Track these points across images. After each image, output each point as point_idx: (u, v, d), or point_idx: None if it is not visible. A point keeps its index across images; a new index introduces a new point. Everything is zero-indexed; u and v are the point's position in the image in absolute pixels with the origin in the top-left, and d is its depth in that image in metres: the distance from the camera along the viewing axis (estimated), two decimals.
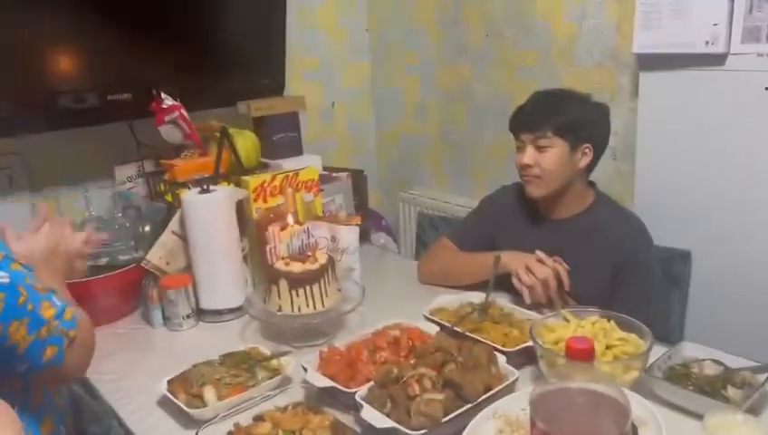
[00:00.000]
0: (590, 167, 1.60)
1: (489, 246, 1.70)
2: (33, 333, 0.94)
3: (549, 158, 1.53)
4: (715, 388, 1.11)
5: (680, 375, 1.16)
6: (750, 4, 1.56)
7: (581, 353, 0.79)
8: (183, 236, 1.65)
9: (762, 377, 1.13)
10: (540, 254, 1.48)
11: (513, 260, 1.51)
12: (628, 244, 1.54)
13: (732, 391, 1.10)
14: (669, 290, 1.71)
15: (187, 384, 1.23)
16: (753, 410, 1.07)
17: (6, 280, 0.92)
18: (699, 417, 1.03)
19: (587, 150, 1.56)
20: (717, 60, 1.65)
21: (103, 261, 1.71)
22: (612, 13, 1.96)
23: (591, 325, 1.26)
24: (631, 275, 1.53)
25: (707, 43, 1.63)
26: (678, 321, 1.73)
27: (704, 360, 1.19)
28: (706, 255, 1.72)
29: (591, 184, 1.66)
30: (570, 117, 1.52)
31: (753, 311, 1.69)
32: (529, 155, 1.54)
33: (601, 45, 2.01)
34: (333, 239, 1.65)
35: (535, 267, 1.46)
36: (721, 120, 1.69)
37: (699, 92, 1.71)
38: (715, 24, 1.61)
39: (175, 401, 1.20)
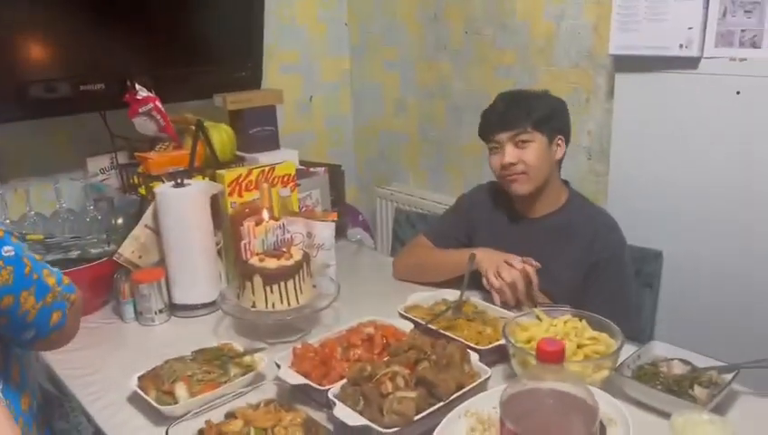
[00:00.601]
0: (562, 160, 1.63)
1: (465, 243, 1.71)
2: (40, 301, 1.00)
3: (531, 152, 1.54)
4: (682, 387, 1.13)
5: (649, 374, 1.18)
6: (724, 10, 1.59)
7: (551, 356, 0.80)
8: (156, 230, 1.63)
9: (728, 377, 1.15)
10: (509, 258, 1.50)
11: (485, 259, 1.53)
12: (601, 242, 1.56)
13: (698, 391, 1.12)
14: (641, 289, 1.74)
15: (158, 380, 1.22)
16: (719, 410, 1.10)
17: (12, 253, 0.96)
18: (667, 416, 1.05)
19: (560, 142, 1.59)
20: (691, 63, 1.67)
21: (74, 254, 1.68)
22: (590, 14, 1.97)
23: (564, 324, 1.27)
24: (604, 274, 1.55)
25: (682, 46, 1.65)
26: (649, 320, 1.76)
27: (672, 359, 1.21)
28: (677, 255, 1.76)
29: (565, 183, 1.68)
30: (544, 111, 1.56)
31: (722, 311, 1.72)
32: (510, 153, 1.55)
33: (578, 46, 2.02)
34: (309, 235, 1.65)
35: (504, 271, 1.47)
36: (694, 122, 1.72)
37: (673, 95, 1.74)
38: (690, 28, 1.63)
39: (145, 397, 1.19)
